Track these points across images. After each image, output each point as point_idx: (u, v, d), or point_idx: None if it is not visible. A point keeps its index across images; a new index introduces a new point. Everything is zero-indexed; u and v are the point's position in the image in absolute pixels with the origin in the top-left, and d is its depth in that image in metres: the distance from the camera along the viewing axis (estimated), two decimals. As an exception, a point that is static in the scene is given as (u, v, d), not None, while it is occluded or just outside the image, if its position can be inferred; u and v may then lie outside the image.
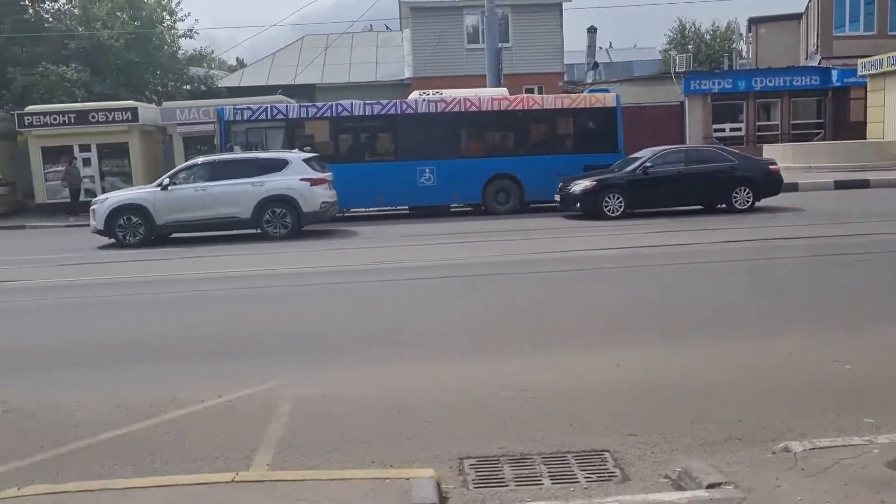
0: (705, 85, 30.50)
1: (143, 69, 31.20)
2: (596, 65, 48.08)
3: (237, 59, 57.80)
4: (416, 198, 19.14)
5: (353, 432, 4.92)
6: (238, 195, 15.57)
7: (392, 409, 5.32)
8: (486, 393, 5.56)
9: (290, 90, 28.95)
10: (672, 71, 34.69)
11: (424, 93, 20.45)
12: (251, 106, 19.48)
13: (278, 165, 15.82)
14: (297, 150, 16.79)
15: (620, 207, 16.51)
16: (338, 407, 5.41)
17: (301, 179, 15.60)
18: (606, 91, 20.96)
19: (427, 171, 18.95)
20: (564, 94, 20.96)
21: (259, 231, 15.79)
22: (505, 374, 5.95)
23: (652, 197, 16.78)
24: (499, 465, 4.40)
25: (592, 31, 46.44)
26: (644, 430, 4.77)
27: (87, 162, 24.60)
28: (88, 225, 16.21)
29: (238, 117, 19.10)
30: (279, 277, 11.29)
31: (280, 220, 15.68)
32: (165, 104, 26.95)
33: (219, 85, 33.89)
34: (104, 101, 25.81)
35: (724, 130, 30.57)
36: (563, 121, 20.11)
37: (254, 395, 5.71)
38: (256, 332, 7.72)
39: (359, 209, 19.93)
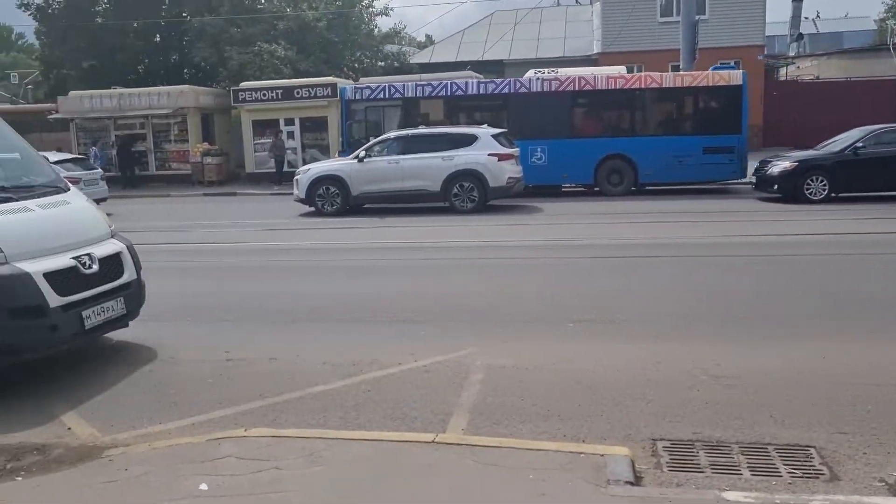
0: (930, 57, 27.53)
1: (342, 47, 32.79)
2: (800, 36, 44.52)
3: (427, 35, 59.29)
4: (527, 177, 18.32)
5: (544, 405, 5.00)
6: (428, 169, 16.06)
7: (582, 384, 5.35)
8: (681, 376, 5.44)
9: (479, 66, 29.34)
10: (889, 42, 31.52)
11: (540, 72, 20.18)
12: (370, 85, 20.08)
13: (467, 140, 16.14)
14: (486, 126, 17.02)
15: (824, 190, 15.44)
16: (528, 378, 5.51)
17: (489, 155, 15.83)
18: (732, 68, 19.55)
19: (539, 150, 18.69)
20: (686, 73, 19.64)
21: (447, 204, 16.23)
22: (701, 359, 5.78)
23: (862, 180, 15.49)
24: (693, 449, 4.31)
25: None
26: (855, 429, 4.48)
27: (290, 135, 26.30)
28: (291, 194, 17.39)
29: (358, 96, 19.84)
30: (468, 249, 11.58)
31: (467, 194, 16.03)
32: (362, 80, 28.21)
33: (410, 61, 34.95)
34: (307, 77, 27.41)
35: (950, 108, 27.46)
36: (683, 100, 19.20)
37: (447, 361, 5.94)
38: (449, 302, 7.98)
39: None
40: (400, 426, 4.69)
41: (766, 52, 31.33)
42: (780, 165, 15.98)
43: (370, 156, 16.52)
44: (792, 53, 41.77)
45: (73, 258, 5.70)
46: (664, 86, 18.83)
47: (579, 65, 31.85)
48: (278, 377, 5.72)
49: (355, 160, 16.59)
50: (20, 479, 4.11)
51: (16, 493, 3.91)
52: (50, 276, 5.44)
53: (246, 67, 28.91)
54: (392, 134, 16.95)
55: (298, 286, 9.07)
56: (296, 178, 17.19)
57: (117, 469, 4.09)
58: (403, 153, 16.32)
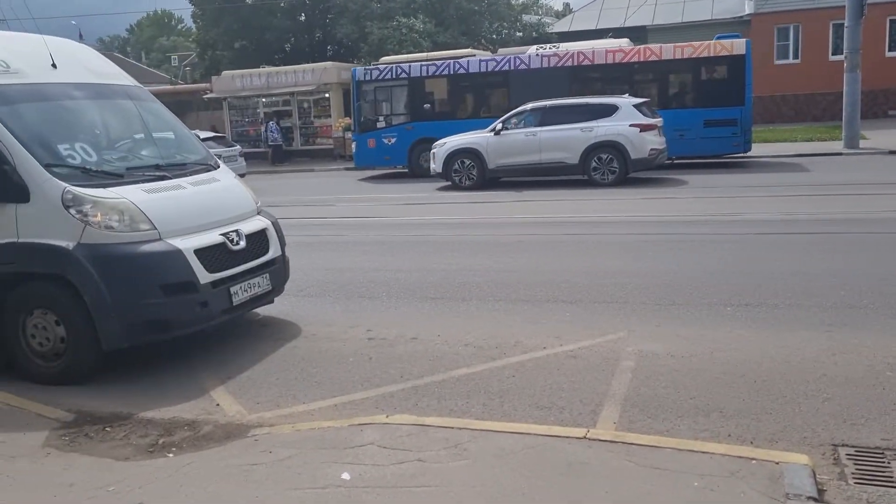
0: None
1: (481, 17, 32.46)
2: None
3: (564, 3, 57.84)
4: None
5: (703, 398, 4.59)
6: (567, 140, 15.58)
7: (746, 377, 4.87)
8: (863, 371, 4.86)
9: (621, 33, 28.16)
10: None
11: (542, 47, 19.96)
12: (379, 66, 20.19)
13: (608, 111, 15.51)
14: (626, 95, 16.31)
15: None
16: (684, 368, 5.09)
17: (630, 125, 15.16)
18: (736, 37, 18.18)
19: None
20: (686, 44, 18.35)
21: (585, 177, 15.69)
22: (885, 352, 5.15)
23: None
24: (884, 459, 3.79)
25: None
26: None
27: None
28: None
29: (367, 77, 20.38)
30: (612, 225, 11.07)
31: (607, 166, 15.44)
32: (501, 50, 27.80)
33: (549, 31, 34.15)
34: (445, 49, 27.31)
35: None
36: (683, 72, 18.28)
37: (595, 346, 5.61)
38: (595, 281, 7.58)
39: None
40: (547, 417, 4.43)
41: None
42: None
43: (507, 128, 16.20)
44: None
45: (222, 234, 5.78)
46: (663, 58, 18.24)
47: (730, 28, 30.03)
48: (419, 358, 5.59)
49: (492, 132, 16.31)
50: (171, 455, 4.17)
51: (168, 470, 3.96)
52: (200, 253, 5.53)
53: (386, 42, 29.21)
54: (529, 105, 16.52)
55: (436, 262, 8.93)
56: (432, 151, 17.14)
57: (262, 451, 4.06)
58: (541, 125, 15.91)
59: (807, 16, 28.43)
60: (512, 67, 19.22)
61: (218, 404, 4.93)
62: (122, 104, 6.66)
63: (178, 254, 5.40)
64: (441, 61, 20.51)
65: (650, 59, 18.39)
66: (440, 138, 17.19)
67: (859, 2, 19.49)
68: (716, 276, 7.50)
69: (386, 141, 20.53)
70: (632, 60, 18.50)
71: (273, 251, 6.34)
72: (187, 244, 5.47)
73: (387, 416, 4.39)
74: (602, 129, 15.36)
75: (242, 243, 5.92)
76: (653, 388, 4.79)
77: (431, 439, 3.99)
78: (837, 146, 19.84)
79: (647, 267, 8.12)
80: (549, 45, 20.27)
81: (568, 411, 4.51)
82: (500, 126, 16.27)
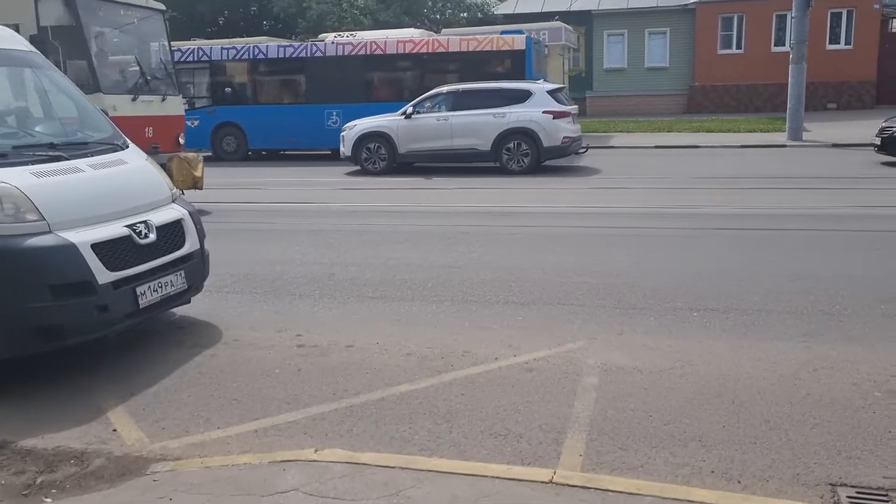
0: None
1: (424, -4, 31.63)
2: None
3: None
4: (324, 140, 18.82)
5: (679, 424, 4.04)
6: (478, 126, 15.15)
7: (723, 397, 4.35)
8: (848, 391, 4.39)
9: (567, 17, 27.72)
10: None
11: (339, 35, 20.46)
12: (181, 48, 19.86)
13: (522, 97, 15.06)
14: (541, 81, 15.99)
15: None
16: (653, 385, 4.54)
17: (543, 112, 14.79)
18: (519, 33, 18.74)
19: (334, 114, 18.86)
20: (471, 37, 19.13)
21: (497, 164, 15.20)
22: (869, 367, 4.71)
23: None
24: (889, 502, 3.29)
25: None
26: None
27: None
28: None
29: None
30: (552, 216, 10.54)
31: (519, 154, 15.01)
32: (444, 31, 27.03)
33: (494, 12, 33.47)
34: (387, 28, 26.40)
35: None
36: (469, 64, 18.46)
37: (553, 357, 5.02)
38: (547, 279, 7.01)
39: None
40: (503, 447, 3.81)
41: (884, 2, 28.62)
42: None
43: (419, 112, 15.61)
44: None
45: (127, 226, 4.99)
46: (450, 50, 18.68)
47: (675, 16, 29.94)
48: (355, 370, 4.91)
49: (402, 116, 15.68)
50: (49, 500, 3.41)
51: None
52: (99, 248, 4.73)
53: (325, 18, 28.11)
54: (444, 88, 15.96)
55: (374, 256, 8.19)
56: (341, 134, 16.46)
57: (161, 498, 3.33)
58: (453, 109, 15.38)
59: (751, 6, 28.47)
60: (309, 54, 19.44)
61: (115, 429, 4.16)
62: (15, 72, 5.78)
63: (70, 249, 4.58)
64: (242, 45, 20.45)
65: (437, 51, 18.77)
66: (243, 122, 17.59)
67: (805, -7, 19.41)
68: (675, 276, 7.00)
69: (190, 124, 19.91)
70: (421, 51, 18.78)
71: (190, 245, 5.55)
72: (83, 238, 4.65)
73: (315, 451, 3.70)
74: (515, 115, 14.92)
75: (152, 236, 5.13)
76: (621, 410, 4.23)
77: (368, 484, 3.32)
78: (781, 138, 19.80)
79: (600, 264, 7.57)
80: (347, 33, 20.69)
81: (527, 440, 3.90)
82: (410, 109, 15.68)
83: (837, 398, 4.30)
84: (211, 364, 5.11)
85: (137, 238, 5.00)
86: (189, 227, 5.58)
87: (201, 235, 5.74)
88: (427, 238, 9.17)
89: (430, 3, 32.57)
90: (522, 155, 15.05)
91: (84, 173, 5.06)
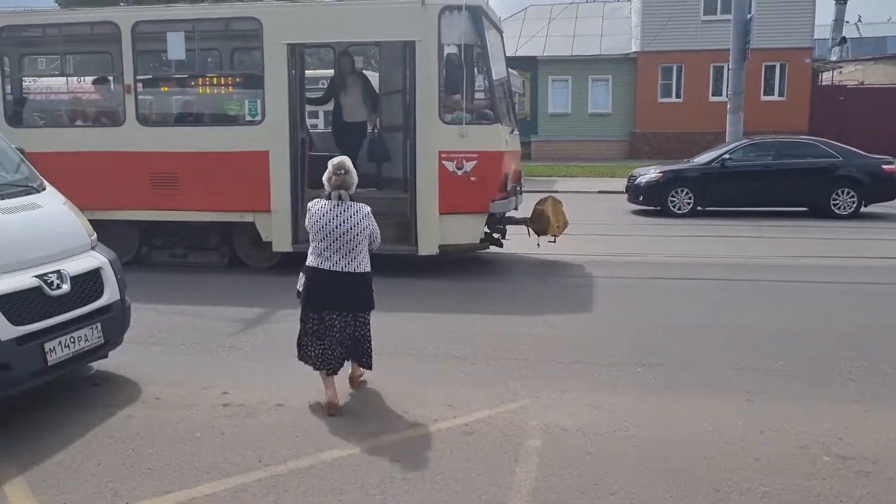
0: None
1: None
2: (843, 40, 43.07)
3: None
4: None
5: (626, 495, 3.81)
6: None
7: (669, 462, 4.15)
8: (796, 454, 4.24)
9: (513, 61, 27.98)
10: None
11: None
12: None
13: None
14: None
15: (689, 204, 14.99)
16: (598, 449, 4.33)
17: None
18: None
19: None
20: None
21: None
22: (814, 428, 4.59)
23: (728, 195, 14.96)
24: (844, 583, 3.12)
25: (842, 1, 41.34)
26: None
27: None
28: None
29: None
30: (480, 263, 10.40)
31: None
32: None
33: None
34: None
35: None
36: None
37: (494, 419, 4.78)
38: (487, 330, 6.80)
39: None
40: (439, 523, 3.54)
41: (813, 56, 29.77)
42: (647, 176, 15.50)
43: None
44: (834, 58, 40.04)
45: (37, 276, 4.61)
46: None
47: (616, 65, 30.57)
48: (284, 433, 4.58)
49: None
50: None
51: None
52: (3, 300, 4.35)
53: None
54: None
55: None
56: None
57: (51, 592, 2.96)
58: None
59: (690, 57, 29.23)
60: None
61: (10, 505, 3.76)
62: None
63: (-32, 302, 4.19)
64: None
65: None
66: None
67: (743, 47, 19.96)
68: (613, 329, 6.87)
69: None
70: None
71: (109, 295, 5.18)
72: (-16, 289, 4.27)
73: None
74: None
75: (65, 287, 4.75)
76: (564, 478, 3.99)
77: (288, 573, 3.01)
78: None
79: (538, 315, 7.39)
80: None
81: (465, 514, 3.64)
82: None
83: (787, 465, 4.14)
84: (126, 427, 4.71)
85: (48, 289, 4.63)
86: (108, 276, 5.21)
87: (122, 285, 5.37)
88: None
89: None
90: None
91: (-10, 218, 4.68)
